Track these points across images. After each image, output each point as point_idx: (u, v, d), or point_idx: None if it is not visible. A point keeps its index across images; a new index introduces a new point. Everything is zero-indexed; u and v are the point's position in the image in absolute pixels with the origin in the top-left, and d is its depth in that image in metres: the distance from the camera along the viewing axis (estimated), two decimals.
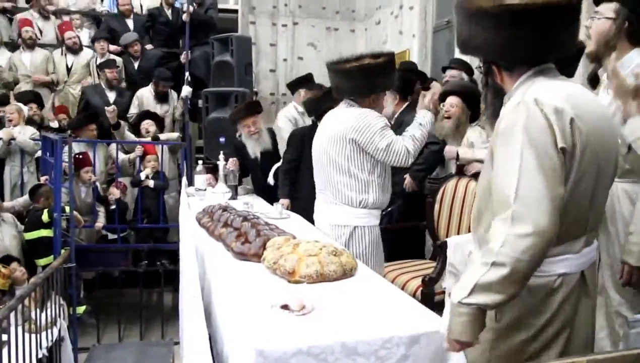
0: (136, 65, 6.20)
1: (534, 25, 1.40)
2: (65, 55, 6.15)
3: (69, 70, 6.15)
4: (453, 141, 3.49)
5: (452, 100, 3.45)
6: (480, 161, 3.25)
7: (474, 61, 4.35)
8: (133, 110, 5.81)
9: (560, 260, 1.45)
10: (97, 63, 6.05)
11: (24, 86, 6.01)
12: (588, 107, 1.43)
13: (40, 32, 6.38)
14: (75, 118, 5.50)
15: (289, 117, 5.17)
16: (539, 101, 1.37)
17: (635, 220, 1.99)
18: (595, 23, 2.07)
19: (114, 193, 5.02)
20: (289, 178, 3.71)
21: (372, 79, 2.56)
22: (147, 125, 5.41)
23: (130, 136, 5.44)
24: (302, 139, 3.67)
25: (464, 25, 1.51)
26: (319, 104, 3.64)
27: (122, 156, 5.29)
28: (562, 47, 1.46)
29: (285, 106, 5.73)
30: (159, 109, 5.77)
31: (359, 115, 2.55)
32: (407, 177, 3.63)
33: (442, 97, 3.50)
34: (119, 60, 6.17)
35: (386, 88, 2.78)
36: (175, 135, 5.63)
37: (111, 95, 5.80)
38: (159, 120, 5.57)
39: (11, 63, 6.08)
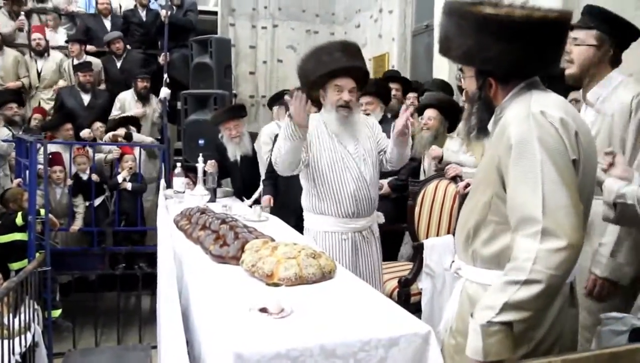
0: (119, 64, 6.12)
1: (536, 38, 1.41)
2: (36, 60, 6.02)
3: (39, 74, 6.01)
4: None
5: (430, 113, 3.61)
6: (463, 165, 3.31)
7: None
8: (115, 112, 5.74)
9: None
10: (74, 64, 5.95)
11: None
12: (580, 120, 1.47)
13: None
14: (51, 119, 5.39)
15: (270, 135, 5.13)
16: (546, 113, 1.37)
17: (607, 232, 2.03)
18: (576, 50, 2.12)
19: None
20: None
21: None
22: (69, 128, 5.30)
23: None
24: None
25: (468, 35, 1.45)
26: None
27: (98, 156, 5.22)
28: (554, 62, 1.50)
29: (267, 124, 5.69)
30: (141, 110, 5.71)
31: None
32: (385, 184, 3.65)
33: (421, 110, 3.70)
34: (97, 61, 6.08)
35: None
36: (149, 139, 5.54)
37: (86, 98, 5.71)
38: (136, 124, 5.51)
39: None
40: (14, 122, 5.38)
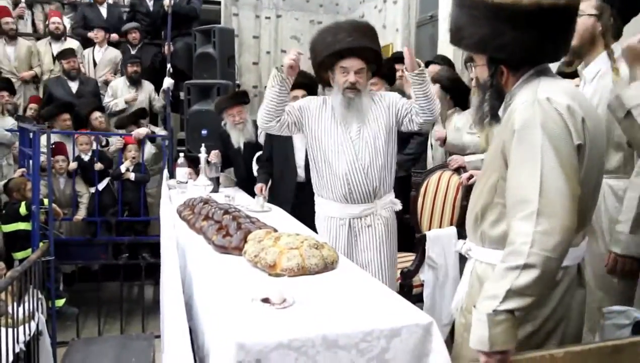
0: (133, 53, 6.09)
1: (547, 25, 1.43)
2: (50, 43, 5.98)
3: (54, 59, 5.94)
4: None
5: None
6: (466, 147, 3.29)
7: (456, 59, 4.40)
8: (107, 99, 5.72)
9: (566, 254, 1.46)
10: (58, 52, 5.81)
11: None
12: (589, 106, 1.49)
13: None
14: (48, 108, 5.34)
15: None
16: (552, 100, 1.39)
17: (625, 209, 2.01)
18: (577, 20, 2.08)
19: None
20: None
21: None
22: (98, 116, 5.33)
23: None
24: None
25: (481, 24, 1.47)
26: None
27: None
28: (564, 48, 1.53)
29: None
30: (132, 95, 5.68)
31: None
32: None
33: None
34: (116, 52, 6.07)
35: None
36: (144, 131, 5.47)
37: (73, 85, 5.64)
38: (144, 115, 5.50)
39: None
40: (6, 110, 5.36)
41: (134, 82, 5.70)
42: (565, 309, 1.52)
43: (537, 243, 1.30)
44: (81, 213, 4.97)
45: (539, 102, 1.39)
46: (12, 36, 5.84)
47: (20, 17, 6.23)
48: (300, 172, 3.49)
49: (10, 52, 5.86)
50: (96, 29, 6.06)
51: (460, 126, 3.45)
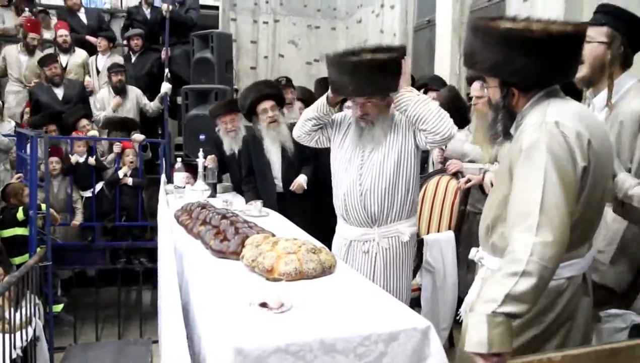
0: (133, 60, 6.10)
1: (557, 51, 1.50)
2: (59, 55, 5.91)
3: (64, 70, 5.90)
4: None
5: None
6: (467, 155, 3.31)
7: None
8: (96, 112, 5.65)
9: (569, 264, 1.56)
10: (39, 59, 5.74)
11: (15, 87, 5.84)
12: (596, 127, 1.57)
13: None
14: (36, 118, 5.27)
15: None
16: (560, 124, 1.47)
17: (609, 241, 2.03)
18: (587, 47, 2.05)
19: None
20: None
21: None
22: (86, 124, 5.29)
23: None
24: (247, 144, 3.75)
25: (494, 50, 1.54)
26: None
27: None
28: (572, 71, 1.61)
29: None
30: (116, 100, 5.61)
31: None
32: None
33: None
34: (119, 59, 6.05)
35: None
36: (141, 137, 5.43)
37: (58, 92, 5.59)
38: (135, 127, 5.48)
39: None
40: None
41: (118, 91, 5.62)
42: (569, 315, 1.58)
43: (537, 253, 1.36)
44: (78, 218, 4.96)
45: (546, 124, 1.47)
46: (30, 50, 5.84)
47: (22, 25, 6.22)
48: (278, 183, 3.58)
49: (24, 61, 5.85)
50: (100, 37, 6.07)
51: (462, 138, 3.46)
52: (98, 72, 6.02)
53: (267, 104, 3.45)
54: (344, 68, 2.32)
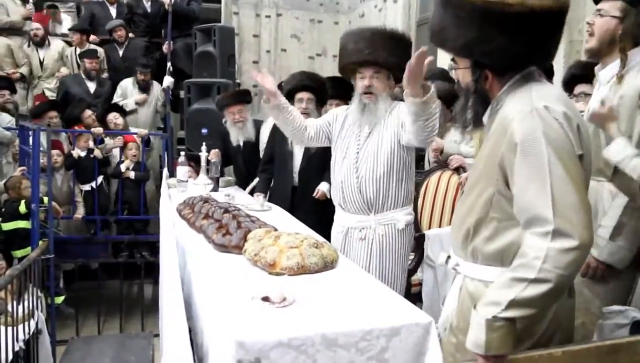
0: (121, 52, 6.11)
1: (536, 30, 1.38)
2: (37, 49, 5.98)
3: (41, 63, 5.98)
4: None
5: None
6: (465, 156, 3.29)
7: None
8: (116, 99, 5.74)
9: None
10: (77, 53, 5.93)
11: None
12: (577, 112, 1.45)
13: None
14: (37, 105, 5.34)
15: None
16: (549, 108, 1.34)
17: (609, 215, 2.02)
18: (599, 20, 2.04)
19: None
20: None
21: None
22: (115, 118, 5.32)
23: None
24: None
25: (467, 27, 1.40)
26: None
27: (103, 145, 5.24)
28: (551, 54, 1.47)
29: None
30: (142, 96, 5.72)
31: None
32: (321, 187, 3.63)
33: None
34: (100, 50, 6.06)
35: None
36: (144, 131, 5.48)
37: (91, 86, 5.71)
38: (124, 113, 5.50)
39: None
40: (6, 109, 5.35)
41: (142, 89, 5.74)
42: (557, 322, 1.49)
43: (551, 260, 1.27)
44: (80, 212, 4.97)
45: (537, 110, 1.34)
46: (38, 42, 5.89)
47: (28, 18, 6.23)
48: (295, 177, 3.53)
49: (39, 55, 5.90)
50: (72, 31, 6.06)
51: (458, 139, 3.45)
52: (78, 65, 5.99)
53: (304, 95, 3.38)
54: (362, 35, 2.44)
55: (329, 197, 3.33)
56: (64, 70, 6.01)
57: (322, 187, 3.39)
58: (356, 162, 2.49)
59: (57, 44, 6.11)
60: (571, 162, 1.32)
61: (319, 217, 3.14)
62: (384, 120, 2.49)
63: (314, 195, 3.35)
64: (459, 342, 1.52)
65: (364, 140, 2.50)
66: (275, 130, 3.68)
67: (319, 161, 3.34)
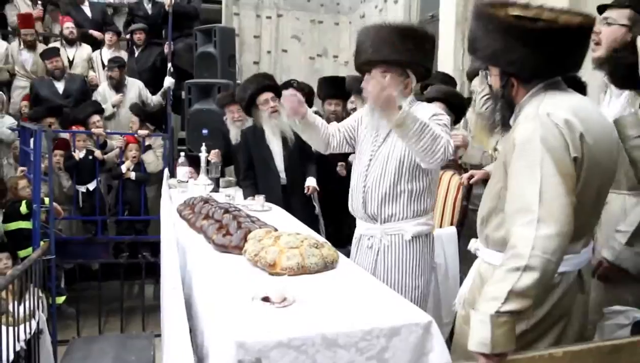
0: (136, 54, 6.12)
1: (559, 43, 1.48)
2: (66, 48, 5.94)
3: (70, 63, 5.94)
4: None
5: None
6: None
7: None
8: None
9: (563, 260, 1.47)
10: (41, 52, 5.74)
11: (22, 82, 5.84)
12: (594, 120, 1.52)
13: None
14: (37, 109, 5.26)
15: None
16: (551, 114, 1.45)
17: (628, 221, 2.00)
18: (607, 29, 2.04)
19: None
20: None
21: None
22: (97, 121, 5.27)
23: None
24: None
25: (494, 38, 1.53)
26: None
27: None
28: (575, 65, 1.59)
29: None
30: (117, 97, 5.65)
31: None
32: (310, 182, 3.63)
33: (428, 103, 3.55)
34: (125, 53, 6.08)
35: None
36: (145, 132, 5.44)
37: (59, 86, 5.58)
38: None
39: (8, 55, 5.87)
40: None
41: (115, 86, 5.65)
42: (563, 312, 1.55)
43: (539, 247, 1.34)
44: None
45: (539, 117, 1.45)
46: (29, 45, 5.82)
47: (39, 19, 6.24)
48: (282, 175, 3.56)
49: (27, 57, 5.85)
50: (109, 31, 6.10)
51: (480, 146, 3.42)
52: (104, 66, 6.02)
53: (268, 95, 3.48)
54: (366, 32, 2.29)
55: (318, 189, 3.40)
56: (92, 73, 6.01)
57: (310, 182, 3.44)
58: (366, 169, 2.32)
59: (86, 46, 6.09)
60: (563, 163, 1.41)
61: (313, 210, 3.19)
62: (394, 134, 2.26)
63: (306, 192, 3.40)
64: (467, 314, 1.62)
65: (378, 147, 2.32)
66: (246, 136, 3.71)
67: (299, 154, 3.48)
